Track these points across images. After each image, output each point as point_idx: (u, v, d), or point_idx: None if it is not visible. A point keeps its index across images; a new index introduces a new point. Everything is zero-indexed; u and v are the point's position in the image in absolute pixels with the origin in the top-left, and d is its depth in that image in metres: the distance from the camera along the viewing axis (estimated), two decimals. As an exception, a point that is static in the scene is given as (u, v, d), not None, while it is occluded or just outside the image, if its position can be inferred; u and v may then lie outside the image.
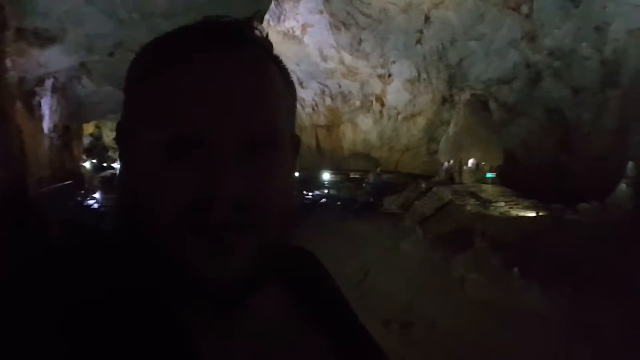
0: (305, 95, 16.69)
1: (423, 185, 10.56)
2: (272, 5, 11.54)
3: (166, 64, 0.39)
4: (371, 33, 13.88)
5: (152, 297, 0.37)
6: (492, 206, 8.46)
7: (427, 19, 12.76)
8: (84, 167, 14.62)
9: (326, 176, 15.17)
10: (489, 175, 10.98)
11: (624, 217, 6.84)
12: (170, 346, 0.35)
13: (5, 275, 0.38)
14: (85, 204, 10.32)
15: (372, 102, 16.38)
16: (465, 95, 12.95)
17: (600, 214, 7.22)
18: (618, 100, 10.72)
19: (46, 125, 10.32)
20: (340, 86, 16.50)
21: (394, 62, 14.62)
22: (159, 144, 0.37)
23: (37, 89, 9.59)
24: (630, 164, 8.06)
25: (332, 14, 13.75)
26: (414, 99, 15.33)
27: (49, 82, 10.00)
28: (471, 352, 3.93)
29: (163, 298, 0.37)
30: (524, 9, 11.22)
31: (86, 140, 17.73)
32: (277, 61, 0.43)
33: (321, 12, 13.76)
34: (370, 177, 12.90)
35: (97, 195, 11.11)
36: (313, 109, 17.47)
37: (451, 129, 12.23)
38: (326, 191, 13.89)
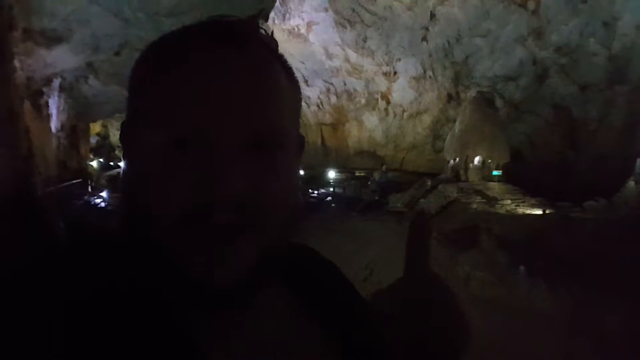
0: (311, 93, 16.68)
1: (429, 183, 10.53)
2: (277, 3, 11.54)
3: (169, 64, 0.38)
4: (376, 31, 13.83)
5: (153, 297, 0.37)
6: (499, 204, 8.42)
7: (432, 16, 12.68)
8: (91, 166, 14.72)
9: (331, 174, 15.17)
10: (495, 172, 10.93)
11: (631, 215, 6.78)
12: (171, 346, 0.35)
13: (9, 273, 0.38)
14: (93, 202, 10.39)
15: (377, 100, 16.33)
16: (471, 93, 12.88)
17: (607, 211, 7.16)
18: (626, 97, 10.60)
19: (54, 124, 10.41)
20: (345, 84, 16.47)
21: (399, 59, 14.55)
22: (162, 144, 0.37)
23: (44, 88, 9.67)
24: (638, 161, 7.98)
25: (337, 12, 13.72)
26: (420, 97, 15.27)
27: (56, 82, 10.08)
28: (477, 350, 3.92)
29: (165, 297, 0.37)
30: (531, 5, 11.12)
31: (93, 140, 17.86)
32: (281, 61, 0.43)
33: (326, 9, 13.73)
34: (376, 175, 12.87)
35: (104, 194, 11.18)
36: (318, 107, 17.45)
37: (457, 126, 12.18)
38: (331, 189, 13.89)
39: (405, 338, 0.40)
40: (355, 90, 16.49)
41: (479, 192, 9.23)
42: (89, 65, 9.95)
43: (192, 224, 0.36)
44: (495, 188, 9.82)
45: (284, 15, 14.08)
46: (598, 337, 3.85)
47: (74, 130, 12.02)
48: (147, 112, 0.39)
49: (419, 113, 15.64)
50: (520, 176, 10.43)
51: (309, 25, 14.44)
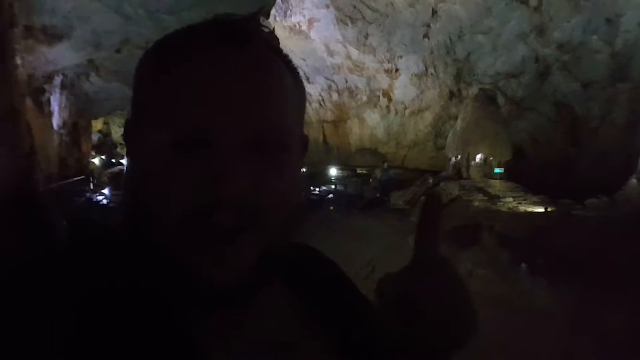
0: (312, 90, 16.65)
1: (430, 180, 10.52)
2: (279, 0, 11.50)
3: (173, 63, 0.38)
4: (378, 27, 13.79)
5: (154, 296, 0.37)
6: (500, 201, 8.41)
7: (434, 12, 12.64)
8: (93, 163, 14.74)
9: (333, 172, 15.16)
10: (496, 170, 10.91)
11: (633, 212, 6.76)
12: (172, 345, 0.35)
13: (11, 272, 0.38)
14: (94, 200, 10.41)
15: (379, 97, 16.30)
16: (473, 90, 12.85)
17: (609, 209, 7.14)
18: (628, 94, 10.56)
19: (55, 121, 10.42)
20: (346, 81, 16.44)
21: (400, 56, 14.51)
22: (165, 143, 0.37)
23: (46, 85, 9.68)
24: (641, 158, 7.95)
25: (338, 9, 13.68)
26: (421, 94, 15.23)
27: (57, 79, 10.08)
28: (478, 347, 3.93)
29: (165, 297, 0.37)
30: (533, 1, 11.07)
31: (95, 137, 17.87)
32: (285, 60, 0.43)
33: (327, 6, 13.69)
34: (377, 173, 12.87)
35: (105, 191, 11.20)
36: (320, 105, 17.43)
37: (459, 123, 12.15)
38: (333, 187, 13.89)
39: (410, 324, 0.40)
40: (356, 87, 16.46)
41: (480, 190, 9.22)
42: (90, 62, 9.95)
43: (193, 223, 0.36)
44: (496, 186, 9.81)
45: (285, 12, 14.05)
46: (599, 335, 3.85)
47: (76, 128, 12.03)
48: (151, 111, 0.39)
49: (420, 110, 15.60)
50: (522, 174, 10.42)
51: (310, 22, 14.40)
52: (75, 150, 12.10)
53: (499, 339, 4.00)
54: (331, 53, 15.40)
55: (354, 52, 15.04)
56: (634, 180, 7.73)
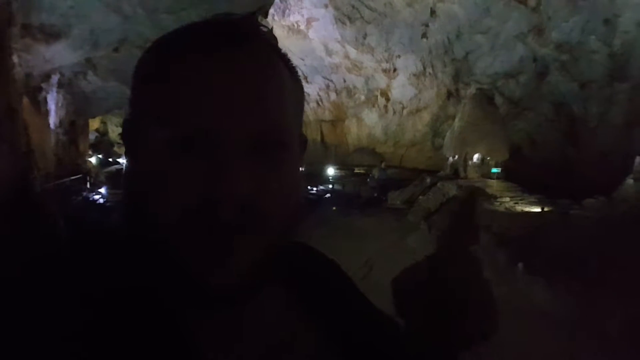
0: (310, 90, 16.65)
1: (428, 180, 10.53)
2: (277, -1, 11.49)
3: (173, 63, 0.38)
4: (376, 27, 13.79)
5: (153, 296, 0.37)
6: (498, 201, 8.42)
7: (432, 12, 12.65)
8: (90, 162, 14.69)
9: (331, 171, 15.16)
10: (494, 170, 10.93)
11: (630, 212, 6.79)
12: (170, 345, 0.35)
13: (9, 272, 0.38)
14: (92, 199, 10.39)
15: (377, 96, 16.31)
16: (471, 90, 12.86)
17: (606, 209, 7.16)
18: (626, 94, 10.59)
19: (52, 120, 10.38)
20: (345, 81, 16.44)
21: (399, 56, 14.53)
22: (164, 142, 0.37)
23: (43, 84, 9.64)
24: (638, 158, 7.97)
25: (337, 8, 13.67)
26: (419, 94, 15.25)
27: (54, 78, 10.05)
28: (475, 347, 3.93)
29: (165, 297, 0.37)
30: (531, 1, 11.09)
31: (92, 136, 17.81)
32: (285, 59, 0.43)
33: (326, 6, 13.68)
34: (375, 172, 12.87)
35: (102, 190, 11.17)
36: (318, 104, 17.43)
37: (457, 123, 12.16)
38: (331, 186, 13.89)
39: (428, 313, 0.41)
40: (354, 87, 16.46)
41: (478, 190, 9.23)
42: (88, 61, 9.92)
43: (193, 222, 0.36)
44: (494, 185, 9.83)
45: (283, 12, 14.04)
46: (598, 334, 3.87)
47: (73, 127, 11.99)
48: (151, 111, 0.39)
49: (418, 110, 15.62)
50: (520, 173, 10.44)
51: (308, 21, 14.40)
52: (73, 149, 12.06)
53: (497, 338, 4.01)
54: (329, 52, 15.39)
55: (353, 52, 15.04)
56: (630, 180, 7.75)
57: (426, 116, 15.50)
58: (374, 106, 16.55)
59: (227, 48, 0.38)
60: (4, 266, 0.37)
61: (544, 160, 11.98)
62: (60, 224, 3.06)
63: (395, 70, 15.04)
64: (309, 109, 17.34)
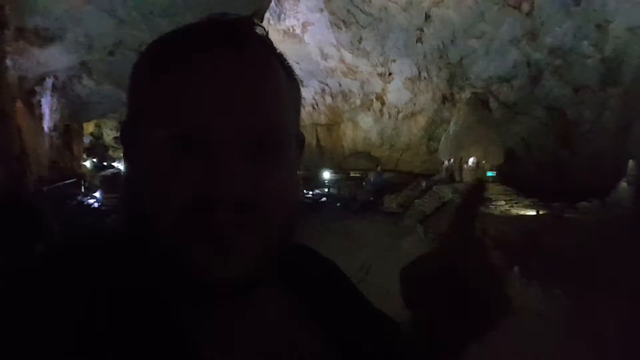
0: (306, 94, 16.68)
1: (423, 184, 10.56)
2: (272, 3, 11.52)
3: (170, 63, 0.39)
4: (371, 31, 13.85)
5: (152, 296, 0.37)
6: (493, 205, 8.46)
7: (427, 17, 12.73)
8: (85, 166, 14.61)
9: (326, 175, 15.16)
10: (489, 173, 10.98)
11: (624, 215, 6.84)
12: (170, 345, 0.35)
13: (6, 274, 0.38)
14: (86, 203, 10.32)
15: (372, 100, 16.37)
16: (466, 94, 12.94)
17: (600, 212, 7.21)
18: (618, 98, 10.70)
19: (46, 124, 10.32)
20: (340, 85, 16.49)
21: (394, 60, 14.59)
22: (162, 142, 0.37)
23: (37, 88, 9.60)
24: (631, 162, 8.05)
25: (332, 13, 13.73)
26: (415, 98, 15.32)
27: (49, 81, 10.00)
28: (472, 350, 3.93)
29: (164, 296, 0.37)
30: (525, 7, 11.19)
31: (86, 140, 17.72)
32: (281, 59, 0.43)
33: (321, 10, 13.73)
34: (371, 176, 12.89)
35: (97, 194, 11.10)
36: (313, 108, 17.45)
37: (452, 127, 12.23)
38: (326, 190, 13.88)
39: (433, 305, 0.41)
40: (350, 91, 16.51)
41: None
42: (83, 64, 9.88)
43: (192, 220, 0.36)
44: (489, 189, 9.87)
45: (279, 16, 14.07)
46: (593, 336, 3.88)
47: (67, 130, 11.93)
48: (149, 111, 0.39)
49: (413, 114, 15.68)
50: (515, 177, 10.50)
51: (304, 25, 14.44)
52: (67, 153, 11.99)
53: (492, 341, 4.01)
54: (325, 57, 15.44)
55: (348, 56, 15.09)
56: (624, 184, 7.82)
57: (421, 120, 15.57)
58: (369, 110, 16.60)
59: (224, 48, 0.38)
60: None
61: (538, 163, 12.06)
62: (54, 228, 3.04)
63: (390, 74, 15.11)
64: (305, 112, 17.36)
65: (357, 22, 13.77)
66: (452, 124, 12.38)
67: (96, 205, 10.14)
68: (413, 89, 15.08)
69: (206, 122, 0.36)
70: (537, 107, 12.50)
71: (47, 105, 10.20)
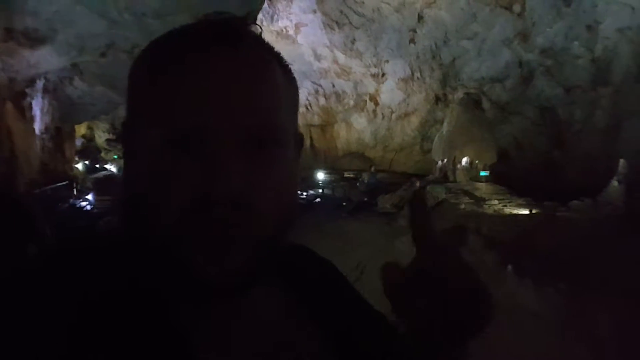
0: (299, 94, 16.67)
1: (417, 184, 10.59)
2: (265, 4, 11.51)
3: (167, 64, 0.39)
4: (364, 32, 13.89)
5: (151, 297, 0.37)
6: (486, 204, 8.50)
7: (420, 18, 12.79)
8: (77, 168, 14.48)
9: (320, 176, 15.17)
10: (482, 173, 11.05)
11: (615, 214, 6.91)
12: (168, 346, 0.35)
13: (3, 277, 0.38)
14: (78, 205, 10.23)
15: (365, 101, 16.40)
16: (459, 94, 13.02)
17: (592, 210, 7.28)
18: (609, 98, 10.82)
19: (37, 126, 10.21)
20: (333, 86, 16.50)
21: (387, 61, 14.64)
22: (162, 142, 0.37)
23: (27, 90, 9.49)
24: (622, 161, 8.14)
25: (325, 14, 13.74)
26: (408, 98, 15.38)
27: (39, 83, 9.90)
28: (465, 348, 3.94)
29: (162, 296, 0.38)
30: (516, 8, 11.29)
31: (78, 142, 17.56)
32: (278, 58, 0.43)
33: (314, 11, 13.74)
34: (365, 177, 12.90)
35: (89, 196, 11.00)
36: (307, 109, 17.45)
37: (445, 127, 12.29)
38: (320, 191, 13.88)
39: (423, 312, 0.41)
40: (343, 91, 16.53)
41: (466, 193, 9.31)
42: (74, 66, 9.79)
43: (190, 219, 0.36)
44: (482, 188, 9.93)
45: (272, 17, 14.06)
46: (586, 335, 3.91)
47: (59, 133, 11.81)
48: (147, 112, 0.39)
49: (407, 114, 15.74)
50: (508, 176, 10.57)
51: (297, 26, 14.44)
52: (59, 155, 11.87)
53: (486, 340, 4.03)
54: (318, 57, 15.45)
55: (341, 57, 15.12)
56: (615, 182, 7.90)
57: (415, 120, 15.63)
58: (362, 111, 16.63)
59: (220, 47, 0.39)
60: None
61: (530, 163, 12.14)
62: (45, 231, 3.01)
63: (383, 75, 15.15)
64: (299, 114, 17.35)
65: (350, 23, 13.80)
66: (445, 124, 12.45)
67: (88, 207, 10.06)
68: (406, 89, 15.14)
69: (202, 121, 0.37)
70: (529, 107, 12.60)
71: (38, 107, 10.09)
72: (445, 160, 11.77)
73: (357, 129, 17.10)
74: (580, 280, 4.51)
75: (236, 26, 0.41)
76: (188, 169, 0.36)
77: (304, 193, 13.12)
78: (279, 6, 13.83)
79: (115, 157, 18.79)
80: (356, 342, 0.46)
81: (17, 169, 8.41)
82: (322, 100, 17.11)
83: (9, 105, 8.65)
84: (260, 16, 11.97)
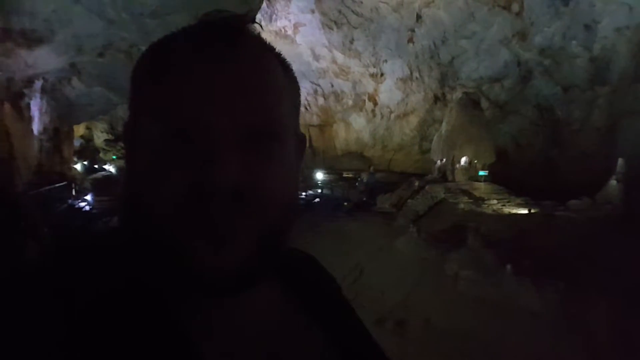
0: (298, 94, 16.67)
1: (416, 183, 10.60)
2: (264, 4, 11.51)
3: (169, 63, 0.40)
4: (363, 32, 13.90)
5: (153, 295, 0.38)
6: (485, 204, 8.52)
7: (418, 17, 12.80)
8: (75, 169, 14.45)
9: (319, 176, 15.17)
10: (481, 173, 11.06)
11: (613, 213, 6.93)
12: (170, 343, 0.36)
13: (6, 276, 0.38)
14: (77, 206, 10.21)
15: (364, 101, 16.41)
16: (457, 94, 13.03)
17: (590, 210, 7.30)
18: (607, 97, 10.84)
19: (35, 127, 10.19)
20: (332, 85, 16.51)
21: (386, 61, 14.65)
22: (164, 137, 0.38)
23: (25, 90, 9.47)
24: (620, 160, 8.15)
25: (323, 13, 13.75)
26: (407, 98, 15.39)
27: (38, 84, 9.87)
28: (465, 348, 3.95)
29: (164, 295, 0.38)
30: (514, 7, 11.30)
31: (77, 142, 17.53)
32: (278, 56, 0.44)
33: (313, 11, 13.74)
34: (364, 176, 12.91)
35: (88, 197, 10.98)
36: (306, 109, 17.46)
37: (443, 127, 12.30)
38: (319, 191, 13.89)
39: None
40: (342, 91, 16.54)
41: (465, 192, 9.32)
42: (72, 66, 9.77)
43: (189, 212, 0.36)
44: (481, 188, 9.94)
45: (270, 17, 14.06)
46: (584, 334, 3.92)
47: (57, 133, 11.78)
48: (149, 111, 0.40)
49: (405, 114, 15.75)
50: (506, 176, 10.58)
51: (295, 26, 14.44)
52: (57, 156, 11.84)
53: (485, 338, 4.03)
54: (317, 57, 15.45)
55: (340, 57, 15.12)
56: (613, 182, 7.92)
57: (413, 120, 15.64)
58: (361, 110, 16.64)
59: (220, 45, 0.39)
60: None
61: (529, 162, 12.16)
62: (43, 232, 3.01)
63: (382, 74, 15.16)
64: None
65: (349, 22, 13.80)
66: (443, 123, 12.45)
67: (87, 208, 10.04)
68: (405, 89, 15.15)
69: (202, 116, 0.37)
70: (528, 106, 12.62)
71: (36, 108, 10.07)
72: (444, 159, 11.78)
73: (355, 128, 17.11)
74: (579, 279, 4.52)
75: (236, 24, 0.41)
76: (188, 161, 0.37)
77: (303, 193, 13.12)
78: (278, 6, 13.84)
79: (114, 157, 18.76)
80: (354, 344, 0.47)
81: (15, 170, 8.40)
82: (320, 100, 17.11)
83: (7, 106, 8.64)
84: (258, 16, 11.96)
